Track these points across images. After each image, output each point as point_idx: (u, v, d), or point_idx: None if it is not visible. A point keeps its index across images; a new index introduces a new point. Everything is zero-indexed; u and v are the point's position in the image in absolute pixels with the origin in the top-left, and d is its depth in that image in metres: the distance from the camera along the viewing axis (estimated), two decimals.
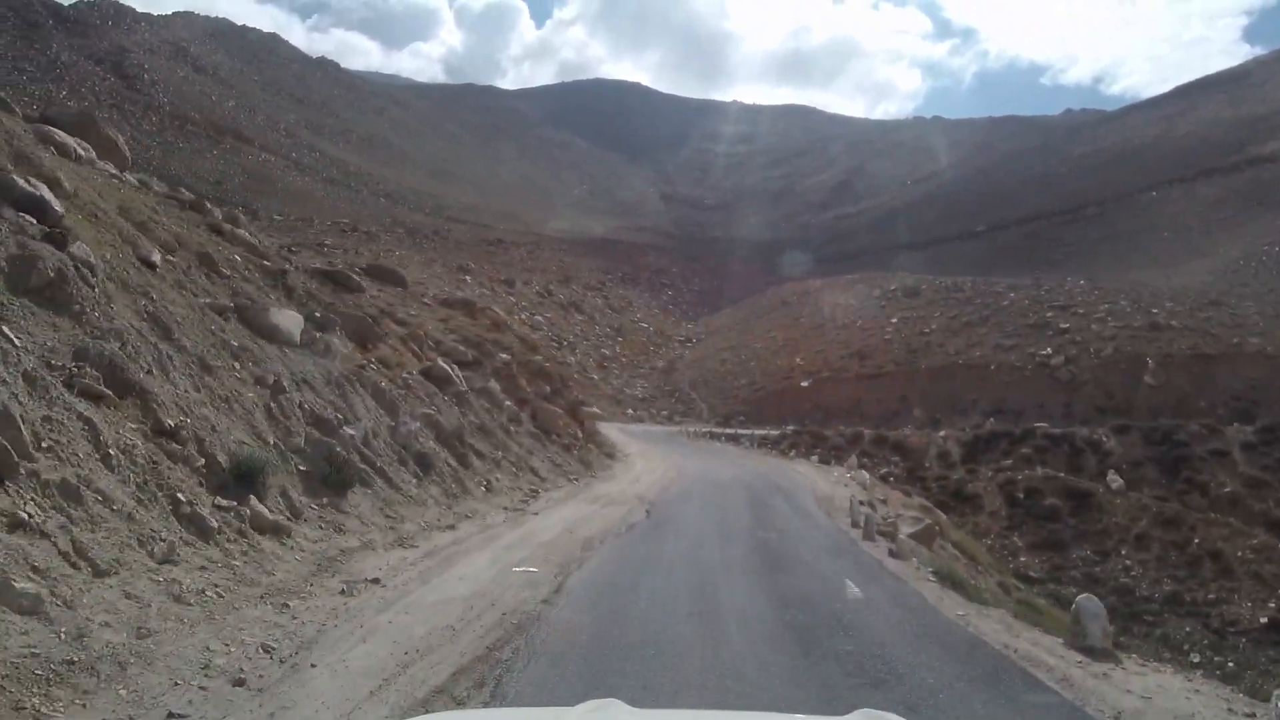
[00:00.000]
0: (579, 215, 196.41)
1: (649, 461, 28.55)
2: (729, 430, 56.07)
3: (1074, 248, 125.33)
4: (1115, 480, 43.62)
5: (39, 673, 4.66)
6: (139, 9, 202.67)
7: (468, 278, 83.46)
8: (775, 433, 56.15)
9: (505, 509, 13.98)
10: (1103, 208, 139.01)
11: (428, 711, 4.71)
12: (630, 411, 64.37)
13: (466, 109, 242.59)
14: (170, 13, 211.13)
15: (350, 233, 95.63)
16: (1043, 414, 54.25)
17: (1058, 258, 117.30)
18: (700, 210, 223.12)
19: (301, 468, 10.34)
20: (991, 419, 55.28)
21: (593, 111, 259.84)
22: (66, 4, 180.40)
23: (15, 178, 9.98)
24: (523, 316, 77.87)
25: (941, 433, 52.23)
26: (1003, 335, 62.36)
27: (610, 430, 45.23)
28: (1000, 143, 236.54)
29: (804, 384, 64.60)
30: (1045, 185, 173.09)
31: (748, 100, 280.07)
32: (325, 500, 10.26)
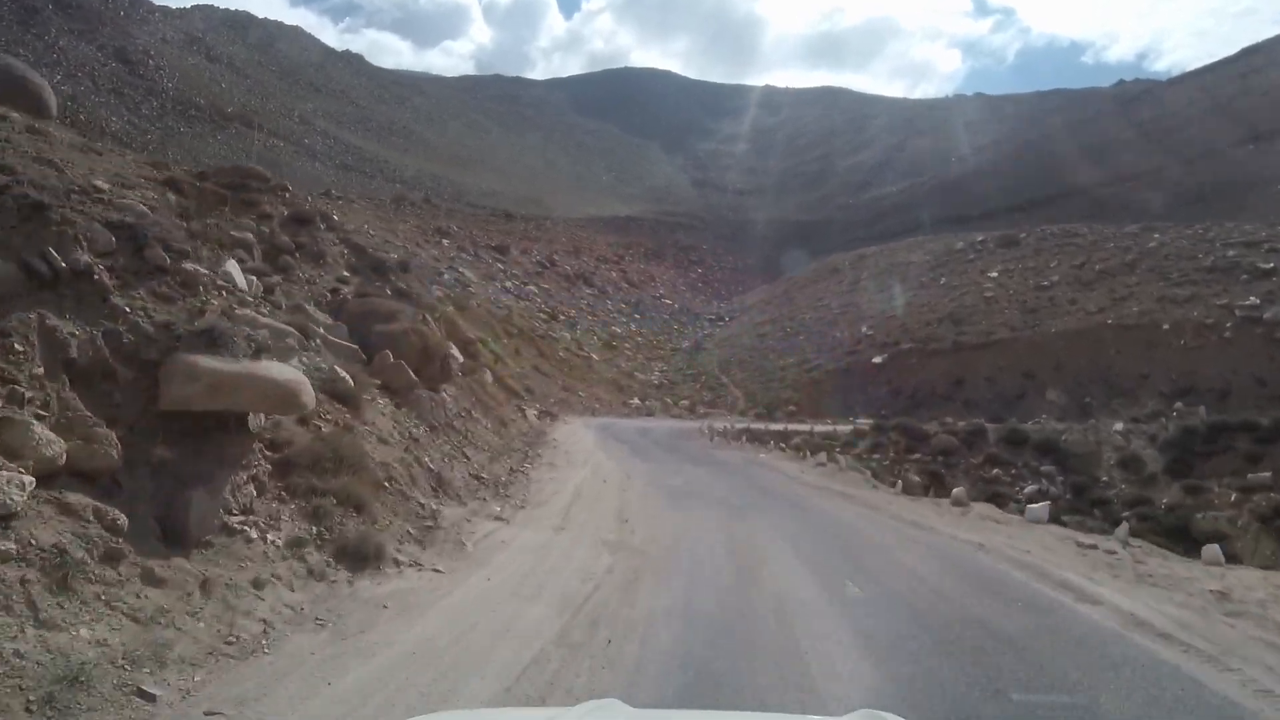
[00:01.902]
0: (606, 200, 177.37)
1: (538, 562, 8.55)
2: (775, 426, 35.50)
3: (1168, 205, 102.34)
4: None
5: None
6: (156, 1, 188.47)
7: (445, 240, 63.87)
8: (844, 428, 35.54)
9: None
10: (1191, 165, 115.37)
11: None
12: (637, 401, 43.98)
13: (492, 98, 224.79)
14: (189, 6, 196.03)
15: (320, 195, 76.62)
16: (1265, 393, 32.91)
17: (1159, 212, 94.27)
18: (732, 194, 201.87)
19: None
20: (1179, 403, 33.99)
21: (621, 99, 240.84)
22: None
23: None
24: (507, 284, 58.19)
25: (1117, 426, 31.11)
26: (1168, 284, 40.77)
27: (582, 433, 25.00)
28: (1049, 115, 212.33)
29: (876, 360, 43.72)
30: (1110, 151, 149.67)
31: (780, 85, 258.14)
32: None
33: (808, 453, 25.99)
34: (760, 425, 35.80)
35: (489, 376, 24.29)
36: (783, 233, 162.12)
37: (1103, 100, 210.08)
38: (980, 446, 31.87)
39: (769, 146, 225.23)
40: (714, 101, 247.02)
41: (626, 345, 61.83)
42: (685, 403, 45.69)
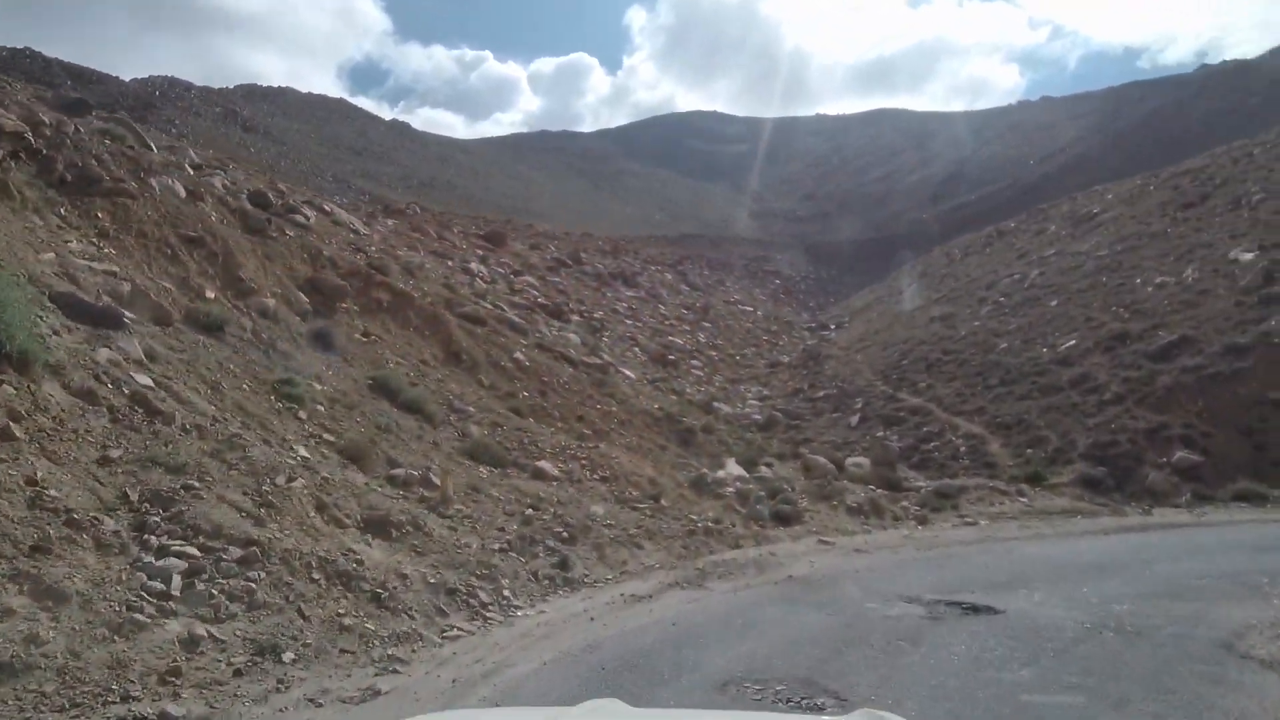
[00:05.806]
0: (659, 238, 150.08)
1: None
2: None
3: None
4: None
5: None
6: (198, 84, 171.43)
7: (389, 220, 36.38)
8: None
9: None
10: None
11: None
12: (736, 472, 14.50)
13: (538, 152, 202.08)
14: (233, 86, 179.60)
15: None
16: None
17: None
18: (795, 222, 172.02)
19: None
20: None
21: (669, 142, 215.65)
22: (127, 80, 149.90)
23: None
24: (470, 265, 29.80)
25: None
26: None
27: None
28: (1131, 107, 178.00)
29: None
30: (1226, 130, 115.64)
31: (831, 113, 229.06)
32: None
33: None
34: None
35: None
36: (854, 252, 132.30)
37: (1187, 86, 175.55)
38: None
39: (826, 172, 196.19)
40: (763, 135, 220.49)
41: (694, 362, 32.64)
42: (861, 463, 15.79)
